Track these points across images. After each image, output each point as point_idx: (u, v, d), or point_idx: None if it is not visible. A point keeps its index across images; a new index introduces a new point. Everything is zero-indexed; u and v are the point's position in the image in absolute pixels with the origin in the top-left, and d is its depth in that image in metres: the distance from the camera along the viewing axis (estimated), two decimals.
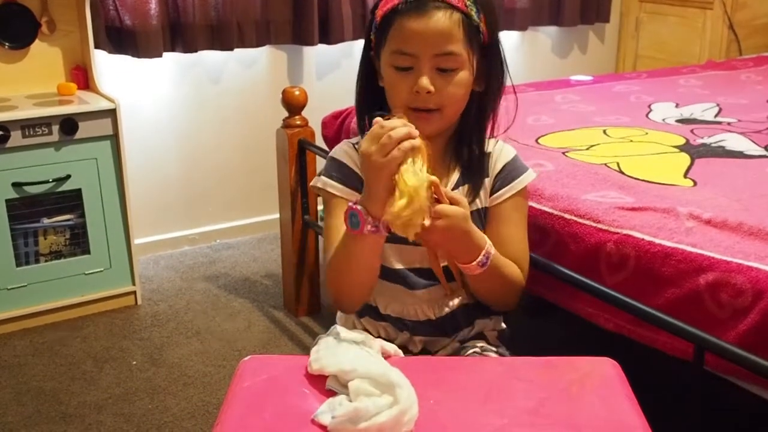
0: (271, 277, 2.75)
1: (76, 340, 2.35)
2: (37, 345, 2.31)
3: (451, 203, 1.17)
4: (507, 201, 1.33)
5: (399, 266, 1.33)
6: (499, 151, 1.36)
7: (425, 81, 1.21)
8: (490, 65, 1.28)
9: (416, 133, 1.12)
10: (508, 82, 1.34)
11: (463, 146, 1.32)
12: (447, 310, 1.35)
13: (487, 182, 1.33)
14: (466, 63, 1.23)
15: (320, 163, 2.27)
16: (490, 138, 1.36)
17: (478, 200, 1.33)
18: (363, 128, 1.34)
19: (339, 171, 1.32)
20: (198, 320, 2.47)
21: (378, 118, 1.13)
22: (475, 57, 1.24)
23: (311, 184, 1.36)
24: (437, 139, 1.29)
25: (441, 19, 1.19)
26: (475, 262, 1.22)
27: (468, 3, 1.21)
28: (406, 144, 1.10)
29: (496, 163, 1.34)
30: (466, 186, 1.32)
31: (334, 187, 1.31)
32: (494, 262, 1.24)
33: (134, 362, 2.23)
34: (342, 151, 1.35)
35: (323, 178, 1.33)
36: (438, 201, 1.17)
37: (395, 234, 1.17)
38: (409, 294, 1.33)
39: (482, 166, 1.33)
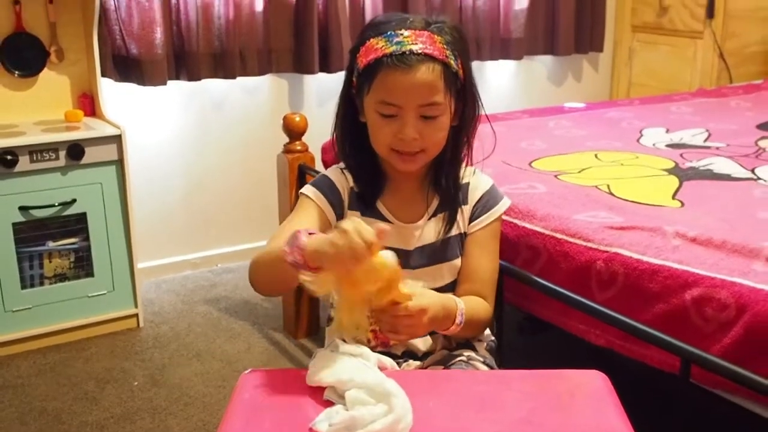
0: (270, 301, 2.79)
1: (79, 361, 2.38)
2: (41, 366, 2.35)
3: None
4: (486, 228, 1.41)
5: None
6: (477, 180, 1.44)
7: (411, 131, 1.28)
8: (465, 102, 1.35)
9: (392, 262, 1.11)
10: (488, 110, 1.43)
11: (440, 177, 1.39)
12: None
13: (466, 210, 1.42)
14: (446, 108, 1.31)
15: None
16: (466, 167, 1.43)
17: (456, 227, 1.41)
18: (345, 158, 1.41)
19: (324, 184, 1.39)
20: (199, 342, 2.51)
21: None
22: (453, 100, 1.32)
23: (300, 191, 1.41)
24: (416, 171, 1.37)
25: (425, 73, 1.26)
26: (453, 327, 1.30)
27: (447, 53, 1.29)
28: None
29: (475, 192, 1.43)
30: (444, 214, 1.40)
31: (314, 193, 1.38)
32: (467, 316, 1.32)
33: (136, 383, 2.26)
34: (332, 171, 1.43)
35: (309, 186, 1.40)
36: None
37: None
38: None
39: (459, 196, 1.41)
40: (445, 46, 1.28)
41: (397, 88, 1.27)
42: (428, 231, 1.40)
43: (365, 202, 1.39)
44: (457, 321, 1.30)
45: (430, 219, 1.40)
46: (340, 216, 1.38)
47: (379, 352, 1.29)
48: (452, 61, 1.29)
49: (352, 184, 1.40)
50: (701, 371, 1.32)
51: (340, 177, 1.40)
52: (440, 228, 1.40)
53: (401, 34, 1.27)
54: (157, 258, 3.01)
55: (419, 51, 1.26)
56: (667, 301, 1.43)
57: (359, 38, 1.34)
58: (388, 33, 1.28)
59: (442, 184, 1.39)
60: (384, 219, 1.38)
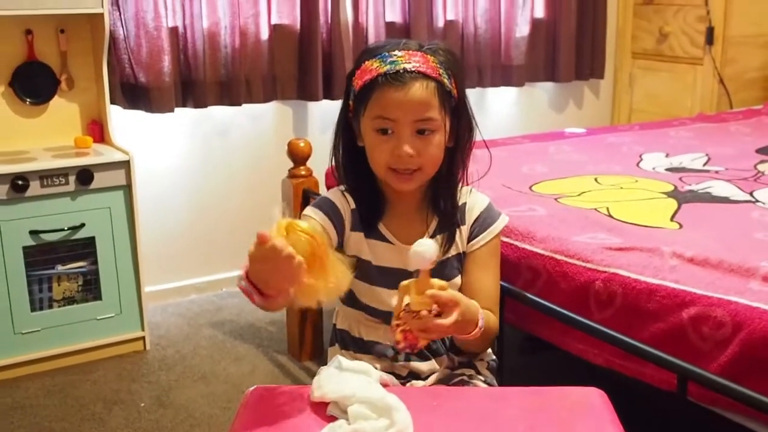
0: (275, 324, 2.82)
1: (87, 383, 2.41)
2: (49, 387, 2.38)
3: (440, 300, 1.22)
4: (485, 246, 1.43)
5: (389, 308, 1.39)
6: (474, 199, 1.46)
7: (407, 147, 1.31)
8: (459, 122, 1.39)
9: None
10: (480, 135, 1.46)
11: (438, 198, 1.42)
12: None
13: (464, 230, 1.44)
14: (441, 126, 1.34)
15: None
16: (462, 187, 1.46)
17: (454, 247, 1.43)
18: (346, 182, 1.44)
19: (326, 205, 1.42)
20: (204, 364, 2.53)
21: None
22: (448, 118, 1.35)
23: (302, 213, 1.44)
24: (414, 192, 1.40)
25: (419, 89, 1.30)
26: (475, 330, 1.30)
27: (441, 71, 1.33)
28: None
29: (473, 211, 1.45)
30: (443, 234, 1.43)
31: (317, 214, 1.40)
32: (484, 323, 1.33)
33: (142, 404, 2.29)
34: (333, 193, 1.45)
35: (311, 207, 1.43)
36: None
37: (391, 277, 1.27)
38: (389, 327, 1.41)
39: (457, 216, 1.44)
40: (438, 65, 1.33)
41: (393, 104, 1.30)
42: None
43: (367, 224, 1.42)
44: (480, 324, 1.30)
45: (431, 239, 1.42)
46: (341, 236, 1.41)
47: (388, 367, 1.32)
48: (446, 80, 1.33)
49: (353, 205, 1.42)
50: (698, 389, 1.34)
51: (341, 199, 1.43)
52: (440, 248, 1.42)
53: (395, 55, 1.32)
54: (163, 282, 3.04)
55: (413, 69, 1.30)
56: (664, 320, 1.46)
57: (355, 63, 1.38)
58: (383, 54, 1.33)
59: (440, 205, 1.42)
60: (386, 240, 1.41)
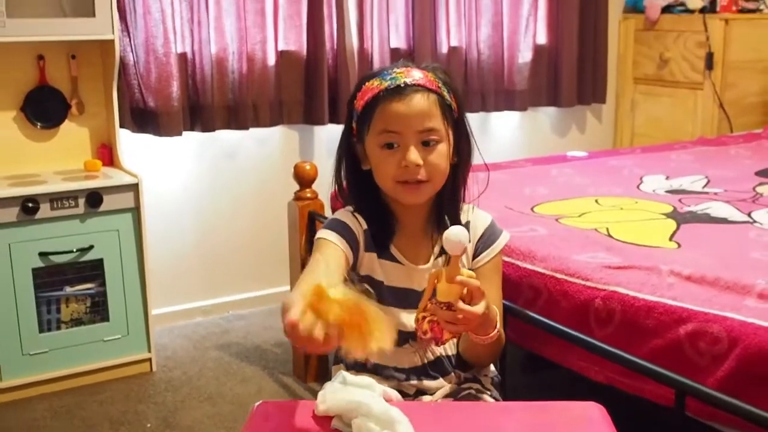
0: (281, 346, 2.84)
1: (94, 404, 2.43)
2: (57, 408, 2.40)
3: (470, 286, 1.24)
4: (489, 262, 1.46)
5: (402, 327, 1.41)
6: (476, 217, 1.48)
7: (414, 155, 1.33)
8: (460, 140, 1.42)
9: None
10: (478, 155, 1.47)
11: (442, 217, 1.44)
12: (432, 357, 1.45)
13: (469, 247, 1.45)
14: (445, 136, 1.37)
15: None
16: (464, 205, 1.48)
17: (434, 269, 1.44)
18: (356, 204, 1.45)
19: (341, 227, 1.41)
20: (210, 385, 2.56)
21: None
22: (451, 131, 1.39)
23: (315, 237, 1.43)
24: (421, 211, 1.43)
25: (420, 100, 1.34)
26: (493, 332, 1.31)
27: (440, 85, 1.37)
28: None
29: (476, 229, 1.47)
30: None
31: (334, 236, 1.38)
32: (497, 331, 1.34)
33: (149, 425, 2.31)
34: (344, 215, 1.45)
35: (326, 230, 1.41)
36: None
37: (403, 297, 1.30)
38: (398, 348, 1.42)
39: None
40: (436, 80, 1.37)
41: (396, 116, 1.33)
42: None
43: (380, 244, 1.42)
44: (498, 327, 1.31)
45: (436, 259, 1.44)
46: (356, 257, 1.40)
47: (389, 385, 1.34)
48: (445, 93, 1.37)
49: (365, 226, 1.42)
50: (696, 404, 1.36)
51: (353, 220, 1.43)
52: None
53: (394, 72, 1.37)
54: (169, 304, 3.07)
55: (413, 82, 1.34)
56: (662, 336, 1.48)
57: (355, 89, 1.42)
58: (382, 73, 1.38)
59: (446, 223, 1.43)
60: (396, 260, 1.43)
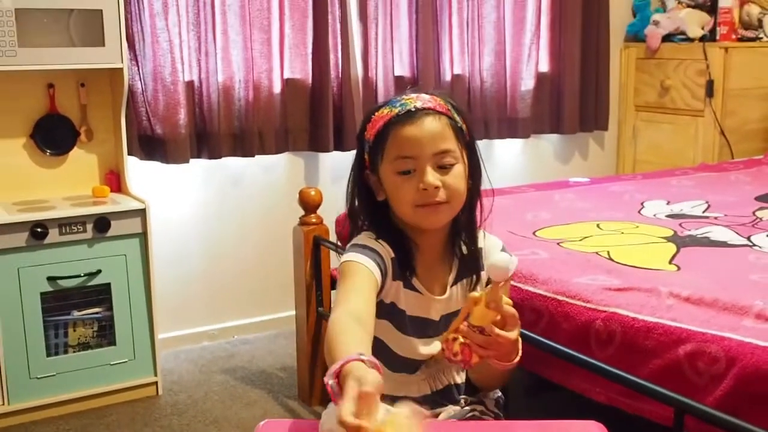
0: (286, 370, 2.86)
1: (100, 427, 2.45)
2: (64, 431, 2.42)
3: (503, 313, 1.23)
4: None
5: (419, 356, 1.42)
6: (489, 243, 1.47)
7: (431, 176, 1.31)
8: (472, 163, 1.41)
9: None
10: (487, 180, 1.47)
11: (457, 243, 1.43)
12: (441, 386, 1.46)
13: (483, 275, 1.44)
14: (460, 158, 1.37)
15: (333, 257, 2.44)
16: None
17: (474, 292, 1.43)
18: (380, 234, 1.40)
19: (373, 252, 1.35)
20: (216, 409, 2.57)
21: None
22: (465, 152, 1.39)
23: (344, 259, 1.35)
24: (439, 239, 1.41)
25: (432, 123, 1.34)
26: (516, 358, 1.30)
27: (450, 108, 1.38)
28: None
29: (489, 256, 1.44)
30: (465, 280, 1.44)
31: (366, 261, 1.33)
32: None
33: None
34: (369, 240, 1.39)
35: (358, 254, 1.34)
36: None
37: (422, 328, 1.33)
38: (410, 376, 1.43)
39: (477, 260, 1.44)
40: (446, 104, 1.38)
41: (409, 140, 1.32)
42: (452, 299, 1.43)
43: (406, 273, 1.39)
44: (520, 352, 1.29)
45: (452, 287, 1.43)
46: (383, 285, 1.36)
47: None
48: (456, 116, 1.37)
49: (392, 254, 1.38)
50: (695, 423, 1.38)
51: (381, 247, 1.37)
52: (463, 294, 1.42)
53: (403, 98, 1.37)
54: (176, 329, 3.09)
55: (422, 106, 1.35)
56: (661, 357, 1.50)
57: (364, 120, 1.42)
58: (391, 101, 1.38)
59: (463, 250, 1.43)
60: (416, 290, 1.41)
